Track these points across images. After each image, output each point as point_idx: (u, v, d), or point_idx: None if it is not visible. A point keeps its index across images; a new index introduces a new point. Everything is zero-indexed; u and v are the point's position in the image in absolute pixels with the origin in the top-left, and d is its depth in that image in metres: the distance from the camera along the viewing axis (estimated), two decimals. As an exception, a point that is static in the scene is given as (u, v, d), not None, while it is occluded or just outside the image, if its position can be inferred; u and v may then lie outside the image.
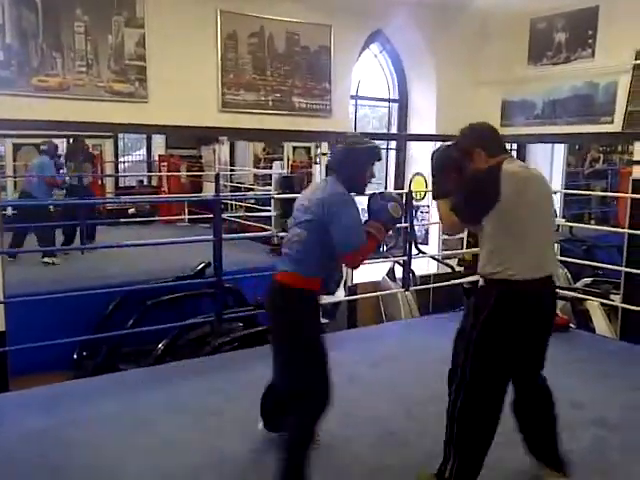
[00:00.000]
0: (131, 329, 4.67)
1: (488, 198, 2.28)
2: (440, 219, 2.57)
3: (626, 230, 4.87)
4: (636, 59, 4.99)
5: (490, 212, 2.28)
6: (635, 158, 5.02)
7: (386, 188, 6.69)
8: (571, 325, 4.74)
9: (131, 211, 9.76)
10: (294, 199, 2.68)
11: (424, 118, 6.23)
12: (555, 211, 2.67)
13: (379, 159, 2.66)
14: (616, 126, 5.17)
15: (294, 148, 9.67)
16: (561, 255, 6.73)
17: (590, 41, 5.32)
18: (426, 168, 6.21)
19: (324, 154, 6.01)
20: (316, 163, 6.18)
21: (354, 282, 5.72)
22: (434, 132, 6.12)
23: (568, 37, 5.50)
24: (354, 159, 2.54)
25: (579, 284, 5.94)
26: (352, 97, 5.97)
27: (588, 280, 5.96)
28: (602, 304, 5.05)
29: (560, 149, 6.99)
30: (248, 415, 2.95)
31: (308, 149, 9.01)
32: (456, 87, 6.03)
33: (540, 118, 5.76)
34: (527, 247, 2.30)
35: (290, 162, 9.40)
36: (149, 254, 6.26)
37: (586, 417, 3.19)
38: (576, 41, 5.44)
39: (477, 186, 2.38)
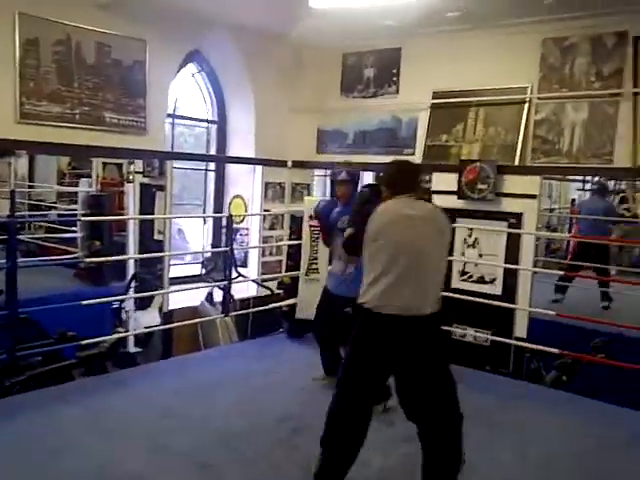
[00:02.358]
0: None
1: (358, 235, 2.57)
2: None
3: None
4: (433, 98, 5.54)
5: (364, 248, 2.52)
6: (433, 188, 5.53)
7: (204, 211, 6.55)
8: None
9: None
10: (103, 221, 2.48)
11: (243, 140, 6.23)
12: (444, 249, 2.63)
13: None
14: (417, 158, 5.66)
15: (104, 164, 9.04)
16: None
17: (395, 79, 5.80)
18: (246, 190, 6.30)
19: (138, 172, 5.71)
20: (129, 182, 5.83)
21: (170, 308, 5.47)
22: (253, 155, 6.15)
23: (376, 73, 5.94)
24: None
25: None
26: (169, 115, 5.76)
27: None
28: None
29: (368, 176, 7.47)
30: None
31: (120, 166, 8.48)
32: (274, 112, 6.14)
33: (352, 147, 6.10)
34: (383, 282, 2.44)
35: (100, 179, 8.75)
36: None
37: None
38: (383, 78, 5.88)
39: (355, 223, 2.67)
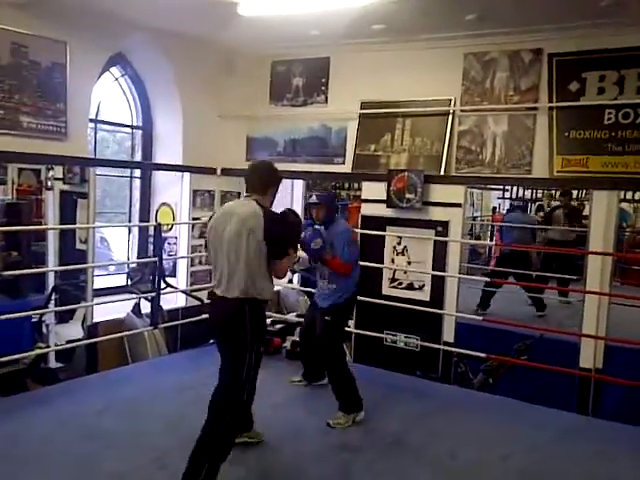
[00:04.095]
0: None
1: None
2: None
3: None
4: (362, 109, 5.63)
5: None
6: (363, 197, 5.61)
7: (130, 219, 6.34)
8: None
9: None
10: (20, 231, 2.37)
11: (170, 147, 6.08)
12: (264, 244, 2.84)
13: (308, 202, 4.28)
14: (347, 167, 5.73)
15: (20, 170, 8.57)
16: (302, 285, 7.20)
17: (324, 88, 5.84)
18: (173, 198, 6.15)
19: (57, 179, 5.45)
20: (48, 189, 5.56)
21: (94, 320, 5.25)
22: (181, 162, 6.02)
23: (305, 82, 5.96)
24: None
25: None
26: (91, 120, 5.54)
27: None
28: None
29: (300, 184, 7.49)
30: None
31: (38, 172, 8.07)
32: (202, 119, 6.04)
33: (282, 155, 6.09)
34: (215, 271, 2.94)
35: (15, 186, 8.29)
36: None
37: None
38: (312, 87, 5.91)
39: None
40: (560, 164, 4.80)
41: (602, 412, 4.59)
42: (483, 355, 4.88)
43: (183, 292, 5.77)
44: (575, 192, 9.12)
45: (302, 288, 6.97)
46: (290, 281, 7.06)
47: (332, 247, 3.93)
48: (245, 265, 2.82)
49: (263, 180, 3.01)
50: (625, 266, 9.20)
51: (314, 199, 4.17)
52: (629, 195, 9.99)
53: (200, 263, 6.21)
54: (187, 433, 3.40)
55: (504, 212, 11.41)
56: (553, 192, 9.82)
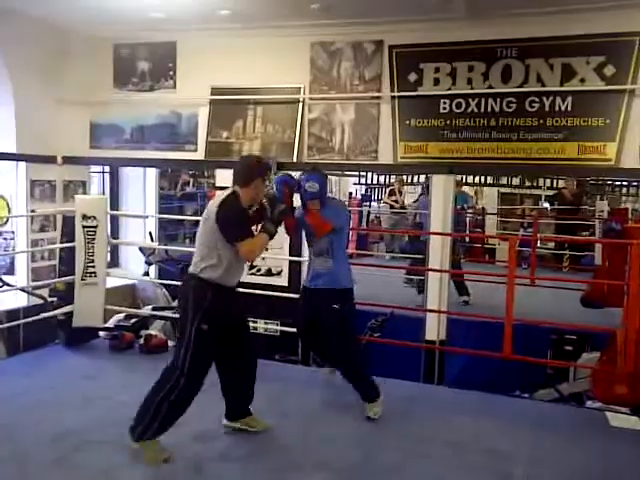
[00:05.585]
0: None
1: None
2: None
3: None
4: (212, 94, 5.53)
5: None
6: (217, 184, 5.54)
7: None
8: (169, 344, 4.91)
9: None
10: None
11: (2, 135, 5.55)
12: (216, 228, 3.08)
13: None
14: (200, 154, 5.60)
15: None
16: (160, 277, 6.97)
17: (171, 73, 5.65)
18: (8, 190, 5.63)
19: None
20: None
21: None
22: (15, 150, 5.52)
23: (151, 67, 5.72)
24: None
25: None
26: None
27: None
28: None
29: (152, 173, 7.21)
30: None
31: None
32: (38, 105, 5.58)
33: (130, 142, 5.81)
34: None
35: None
36: None
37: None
38: (159, 72, 5.69)
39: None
40: (403, 150, 5.08)
41: (446, 380, 4.98)
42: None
43: (22, 290, 5.32)
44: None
45: (159, 280, 6.75)
46: (146, 273, 6.80)
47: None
48: (200, 245, 3.15)
49: (244, 172, 3.21)
50: (468, 245, 10.04)
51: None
52: (470, 179, 10.90)
53: (42, 258, 5.77)
54: (24, 440, 3.19)
55: (359, 197, 11.92)
56: (404, 177, 10.39)
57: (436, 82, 4.94)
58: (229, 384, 3.35)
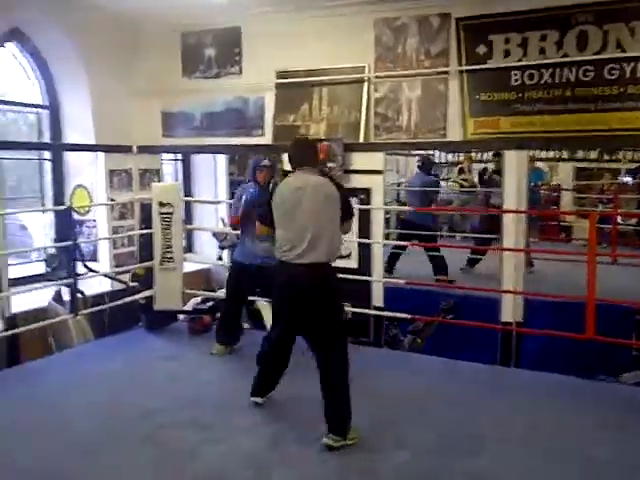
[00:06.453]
0: None
1: (266, 205, 3.28)
2: None
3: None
4: (277, 78, 5.55)
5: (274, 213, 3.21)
6: (285, 168, 5.56)
7: (43, 203, 6.05)
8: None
9: None
10: None
11: (81, 127, 5.81)
12: (335, 210, 3.14)
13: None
14: (267, 138, 5.66)
15: None
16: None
17: (237, 58, 5.71)
18: (89, 180, 5.90)
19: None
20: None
21: (12, 311, 5.02)
22: (94, 142, 5.77)
23: (217, 54, 5.80)
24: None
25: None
26: (-10, 101, 5.21)
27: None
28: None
29: (222, 159, 7.35)
30: None
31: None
32: (113, 96, 5.79)
33: (200, 129, 5.94)
34: (284, 239, 3.12)
35: None
36: None
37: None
38: (224, 58, 5.76)
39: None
40: (473, 126, 4.93)
41: (523, 363, 4.85)
42: (408, 317, 5.02)
43: (105, 276, 5.59)
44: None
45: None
46: (220, 258, 6.98)
47: None
48: (329, 230, 3.11)
49: (313, 153, 3.31)
50: (542, 223, 9.66)
51: (267, 162, 4.40)
52: (544, 154, 10.44)
53: (122, 245, 6.03)
54: (114, 418, 3.37)
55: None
56: (473, 154, 10.09)
57: (506, 54, 4.75)
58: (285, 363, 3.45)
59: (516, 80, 4.74)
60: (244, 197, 4.36)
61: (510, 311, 4.86)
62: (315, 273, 3.06)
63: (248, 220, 4.19)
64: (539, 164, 9.65)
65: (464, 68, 4.86)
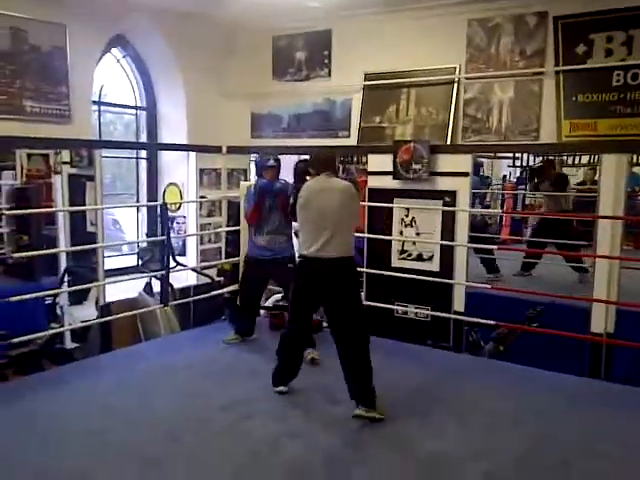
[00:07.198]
0: None
1: (293, 203, 3.68)
2: None
3: (365, 234, 5.39)
4: (365, 80, 5.56)
5: (298, 212, 3.52)
6: (370, 169, 5.57)
7: (138, 199, 6.37)
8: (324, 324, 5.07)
9: None
10: (31, 214, 2.40)
11: (175, 127, 6.08)
12: (351, 212, 3.50)
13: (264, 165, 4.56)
14: (352, 140, 5.69)
15: (29, 155, 8.60)
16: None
17: (326, 61, 5.78)
18: (180, 178, 6.16)
19: (65, 163, 5.48)
20: (57, 172, 5.59)
21: (107, 300, 5.31)
22: (186, 141, 6.02)
23: (307, 56, 5.90)
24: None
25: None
26: (95, 103, 5.54)
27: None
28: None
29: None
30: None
31: (47, 157, 8.11)
32: (205, 98, 6.02)
33: (287, 131, 6.06)
34: (309, 236, 3.43)
35: (25, 171, 8.33)
36: None
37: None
38: (314, 60, 5.86)
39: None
40: (568, 128, 4.74)
41: (613, 376, 4.60)
42: (492, 323, 4.88)
43: (193, 270, 5.80)
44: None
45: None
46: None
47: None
48: (348, 226, 3.50)
49: (333, 162, 3.66)
50: (638, 230, 9.09)
51: (272, 162, 4.60)
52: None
53: (209, 241, 6.24)
54: (199, 407, 3.49)
55: (514, 180, 11.29)
56: (565, 158, 9.66)
57: (608, 53, 4.53)
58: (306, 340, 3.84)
59: (618, 80, 4.51)
60: (255, 189, 4.50)
61: (602, 321, 4.62)
62: (337, 263, 3.41)
63: (259, 212, 4.44)
64: (635, 169, 9.09)
65: (563, 68, 4.68)
